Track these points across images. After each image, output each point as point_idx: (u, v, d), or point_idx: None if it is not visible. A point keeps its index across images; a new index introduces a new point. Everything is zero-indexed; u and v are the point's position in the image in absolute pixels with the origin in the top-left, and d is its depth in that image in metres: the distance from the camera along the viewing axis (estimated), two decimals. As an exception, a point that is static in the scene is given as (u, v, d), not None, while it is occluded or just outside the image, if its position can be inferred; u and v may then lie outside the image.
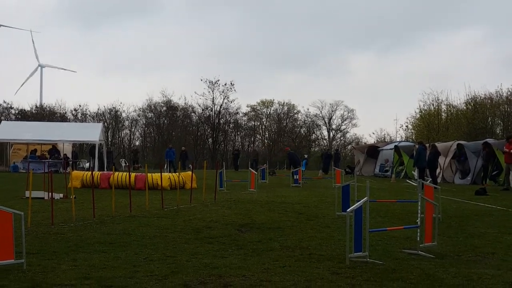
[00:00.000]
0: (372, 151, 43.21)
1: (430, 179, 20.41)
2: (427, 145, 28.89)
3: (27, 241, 8.82)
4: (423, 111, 57.58)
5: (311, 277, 7.62)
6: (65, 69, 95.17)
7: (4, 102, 69.79)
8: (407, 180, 29.63)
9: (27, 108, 69.31)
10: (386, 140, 61.15)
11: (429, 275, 7.82)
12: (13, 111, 68.06)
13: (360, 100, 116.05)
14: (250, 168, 24.13)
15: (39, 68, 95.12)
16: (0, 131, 41.30)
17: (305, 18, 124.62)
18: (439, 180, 28.47)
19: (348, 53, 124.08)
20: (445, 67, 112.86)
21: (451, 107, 55.57)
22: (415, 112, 59.41)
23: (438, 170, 28.98)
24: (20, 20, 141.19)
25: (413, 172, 32.25)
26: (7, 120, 55.72)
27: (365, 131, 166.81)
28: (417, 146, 28.71)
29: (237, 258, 8.98)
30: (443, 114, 56.44)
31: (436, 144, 29.14)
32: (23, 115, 65.96)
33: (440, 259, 9.08)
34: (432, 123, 55.58)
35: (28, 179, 16.34)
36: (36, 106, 70.63)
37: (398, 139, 57.38)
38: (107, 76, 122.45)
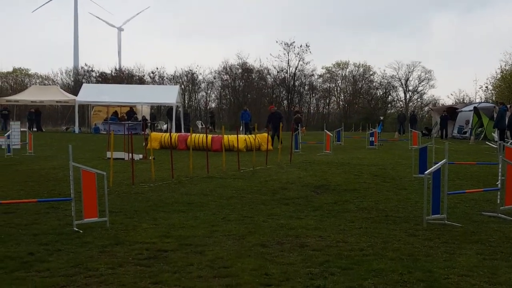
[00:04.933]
0: (451, 112, 42.09)
1: (511, 140, 19.77)
2: (509, 106, 27.89)
3: (109, 200, 9.15)
4: (505, 71, 55.39)
5: (387, 239, 7.60)
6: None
7: (86, 65, 71.78)
8: (487, 142, 28.81)
9: (107, 71, 70.93)
10: (465, 101, 59.36)
11: (509, 238, 7.67)
12: (94, 74, 69.79)
13: (438, 61, 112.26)
14: (325, 131, 23.95)
15: (117, 31, 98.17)
16: (81, 93, 42.28)
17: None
18: (521, 142, 27.54)
19: (427, 13, 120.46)
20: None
21: (535, 66, 53.27)
22: (496, 72, 57.26)
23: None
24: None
25: (493, 133, 31.27)
26: (88, 83, 57.11)
27: (443, 92, 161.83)
28: (497, 107, 27.76)
29: (313, 219, 9.04)
30: (526, 74, 54.15)
31: (519, 105, 28.13)
32: (103, 78, 67.51)
33: (521, 222, 8.87)
34: (514, 84, 53.48)
35: (109, 140, 16.90)
36: (116, 69, 72.21)
37: (477, 100, 55.49)
38: (184, 40, 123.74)
